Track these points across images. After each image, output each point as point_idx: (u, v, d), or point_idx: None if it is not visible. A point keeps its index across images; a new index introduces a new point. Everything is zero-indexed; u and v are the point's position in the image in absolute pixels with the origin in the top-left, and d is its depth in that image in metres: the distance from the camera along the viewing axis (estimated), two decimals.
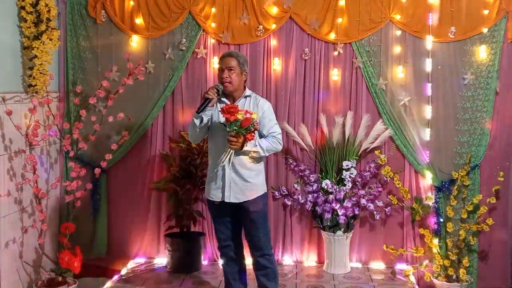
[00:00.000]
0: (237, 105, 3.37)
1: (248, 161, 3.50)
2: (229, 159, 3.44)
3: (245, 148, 3.40)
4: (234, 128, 3.29)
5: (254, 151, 3.45)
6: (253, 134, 3.34)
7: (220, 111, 3.39)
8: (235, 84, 3.53)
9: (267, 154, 3.57)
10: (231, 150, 3.41)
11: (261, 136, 3.54)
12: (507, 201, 4.59)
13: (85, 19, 4.76)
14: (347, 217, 4.53)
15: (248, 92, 3.63)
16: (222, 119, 3.34)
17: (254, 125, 3.31)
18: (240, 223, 3.65)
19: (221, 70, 3.54)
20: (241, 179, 3.50)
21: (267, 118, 3.55)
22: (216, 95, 3.44)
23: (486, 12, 4.48)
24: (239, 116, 3.26)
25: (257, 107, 3.54)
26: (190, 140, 3.80)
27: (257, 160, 3.55)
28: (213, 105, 3.47)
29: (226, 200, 3.51)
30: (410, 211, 4.60)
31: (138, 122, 4.74)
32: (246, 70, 3.62)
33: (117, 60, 4.70)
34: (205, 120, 3.48)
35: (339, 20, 4.63)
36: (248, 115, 3.28)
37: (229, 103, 3.53)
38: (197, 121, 3.47)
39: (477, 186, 4.57)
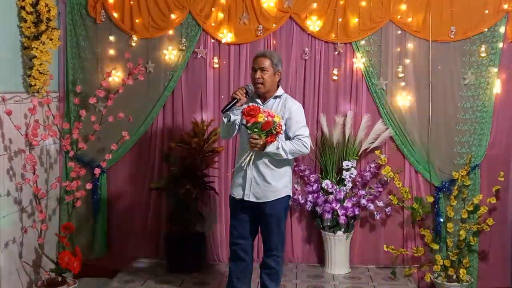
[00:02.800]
0: (259, 107, 3.31)
1: (270, 162, 3.47)
2: (249, 160, 3.41)
3: (266, 150, 3.37)
4: (255, 130, 3.27)
5: (276, 154, 3.41)
6: (274, 137, 3.30)
7: (242, 112, 3.35)
8: (268, 85, 3.50)
9: (290, 157, 3.50)
10: (252, 152, 3.39)
11: (288, 138, 3.51)
12: (507, 201, 4.59)
13: (85, 19, 4.76)
14: (347, 217, 4.53)
15: (279, 92, 3.59)
16: (244, 120, 3.32)
17: (276, 128, 3.27)
18: (257, 225, 3.63)
19: (254, 70, 3.51)
20: (263, 179, 3.48)
21: (293, 120, 3.49)
22: (244, 95, 3.41)
23: (486, 12, 4.48)
24: (260, 119, 3.22)
25: (284, 108, 3.51)
26: (221, 138, 3.80)
27: (281, 162, 3.50)
28: (241, 105, 3.41)
29: (246, 198, 3.50)
30: (411, 211, 4.60)
31: (138, 122, 4.74)
32: (280, 70, 3.58)
33: (117, 60, 4.70)
34: (233, 118, 3.45)
35: (339, 20, 4.63)
36: (269, 118, 3.24)
37: (260, 103, 3.51)
38: (224, 119, 3.46)
39: (477, 186, 4.57)
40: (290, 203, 3.71)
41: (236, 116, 3.47)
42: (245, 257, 3.66)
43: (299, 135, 3.48)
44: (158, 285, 4.39)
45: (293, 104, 3.57)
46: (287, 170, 3.59)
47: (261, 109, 3.28)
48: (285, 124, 3.46)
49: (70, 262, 4.11)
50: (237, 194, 3.55)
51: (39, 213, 4.17)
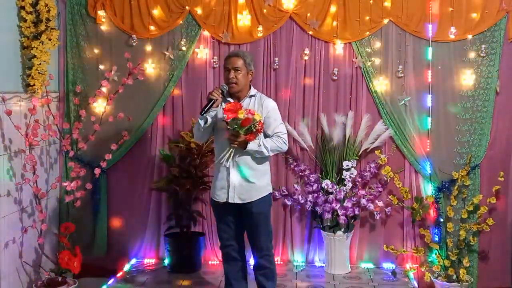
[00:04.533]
0: (241, 104, 3.38)
1: (252, 161, 3.49)
2: (228, 157, 3.45)
3: (248, 148, 3.40)
4: (234, 127, 3.30)
5: (258, 151, 3.44)
6: (254, 134, 3.33)
7: (223, 109, 3.39)
8: (241, 85, 3.52)
9: (271, 154, 3.55)
10: (232, 149, 3.43)
11: (266, 135, 3.53)
12: (507, 201, 4.59)
13: (85, 19, 4.76)
14: (347, 217, 4.53)
15: (253, 91, 3.62)
16: (224, 116, 3.35)
17: (255, 126, 3.30)
18: (243, 224, 3.64)
19: (227, 70, 3.52)
20: (245, 180, 3.49)
21: (272, 118, 3.54)
22: (220, 95, 3.44)
23: (486, 12, 4.47)
24: (240, 116, 3.26)
25: (261, 107, 3.53)
26: (195, 140, 3.79)
27: (261, 160, 3.54)
28: (217, 106, 3.46)
29: (230, 200, 3.51)
30: (411, 211, 4.60)
31: (138, 122, 4.74)
32: (253, 69, 3.61)
33: (117, 60, 4.70)
34: (209, 120, 3.48)
35: (339, 20, 4.63)
36: (249, 115, 3.27)
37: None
38: (201, 122, 3.47)
39: (477, 186, 4.57)
40: (271, 201, 3.74)
41: (211, 118, 3.50)
42: (238, 257, 3.69)
43: (278, 132, 3.53)
44: (158, 285, 4.38)
45: (269, 102, 3.60)
46: (267, 168, 3.63)
47: (242, 106, 3.34)
48: (263, 123, 3.48)
49: (70, 262, 4.11)
50: (220, 197, 3.55)
51: (39, 213, 4.17)
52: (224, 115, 3.33)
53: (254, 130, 3.31)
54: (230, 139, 3.38)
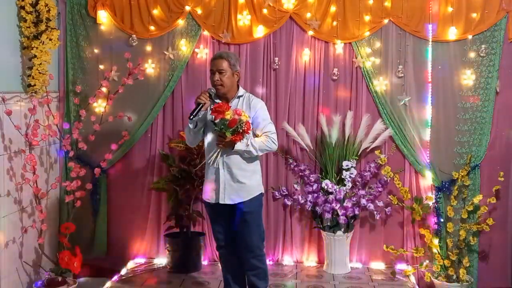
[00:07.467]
0: (229, 105, 3.40)
1: (242, 161, 3.50)
2: (215, 158, 3.46)
3: (236, 148, 3.41)
4: (221, 127, 3.31)
5: (246, 151, 3.45)
6: (241, 135, 3.34)
7: (211, 109, 3.41)
8: (227, 86, 3.53)
9: (260, 154, 3.56)
10: (219, 150, 3.44)
11: (256, 135, 3.54)
12: (507, 201, 4.59)
13: (85, 19, 4.76)
14: (347, 217, 4.53)
15: (241, 92, 3.63)
16: (212, 117, 3.37)
17: (242, 126, 3.31)
18: (235, 224, 3.63)
19: (212, 73, 3.54)
20: (235, 180, 3.50)
21: (260, 118, 3.54)
22: (208, 99, 3.46)
23: (486, 12, 4.48)
24: (227, 116, 3.28)
25: (249, 107, 3.54)
26: (187, 144, 3.80)
27: (251, 160, 3.54)
28: (206, 109, 3.48)
29: (221, 201, 3.52)
30: (410, 211, 4.60)
31: (138, 122, 4.74)
32: (238, 70, 3.60)
33: (117, 60, 4.70)
34: (199, 123, 3.50)
35: (339, 20, 4.63)
36: (236, 116, 3.29)
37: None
38: (191, 125, 3.49)
39: (477, 186, 4.57)
40: (262, 201, 3.73)
41: (201, 121, 3.51)
42: (235, 257, 3.70)
43: (267, 131, 3.53)
44: (158, 285, 4.39)
45: (257, 102, 3.60)
46: (257, 168, 3.63)
47: (230, 107, 3.36)
48: (252, 123, 3.49)
49: (70, 262, 4.12)
50: (212, 198, 3.56)
51: (39, 213, 4.17)
52: (212, 115, 3.35)
53: (241, 130, 3.32)
54: (217, 140, 3.39)
